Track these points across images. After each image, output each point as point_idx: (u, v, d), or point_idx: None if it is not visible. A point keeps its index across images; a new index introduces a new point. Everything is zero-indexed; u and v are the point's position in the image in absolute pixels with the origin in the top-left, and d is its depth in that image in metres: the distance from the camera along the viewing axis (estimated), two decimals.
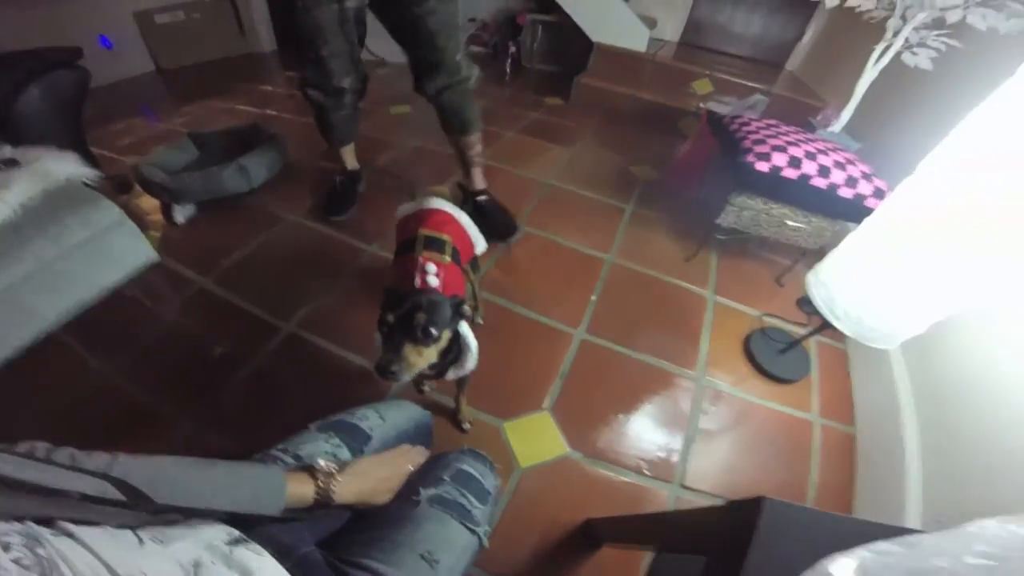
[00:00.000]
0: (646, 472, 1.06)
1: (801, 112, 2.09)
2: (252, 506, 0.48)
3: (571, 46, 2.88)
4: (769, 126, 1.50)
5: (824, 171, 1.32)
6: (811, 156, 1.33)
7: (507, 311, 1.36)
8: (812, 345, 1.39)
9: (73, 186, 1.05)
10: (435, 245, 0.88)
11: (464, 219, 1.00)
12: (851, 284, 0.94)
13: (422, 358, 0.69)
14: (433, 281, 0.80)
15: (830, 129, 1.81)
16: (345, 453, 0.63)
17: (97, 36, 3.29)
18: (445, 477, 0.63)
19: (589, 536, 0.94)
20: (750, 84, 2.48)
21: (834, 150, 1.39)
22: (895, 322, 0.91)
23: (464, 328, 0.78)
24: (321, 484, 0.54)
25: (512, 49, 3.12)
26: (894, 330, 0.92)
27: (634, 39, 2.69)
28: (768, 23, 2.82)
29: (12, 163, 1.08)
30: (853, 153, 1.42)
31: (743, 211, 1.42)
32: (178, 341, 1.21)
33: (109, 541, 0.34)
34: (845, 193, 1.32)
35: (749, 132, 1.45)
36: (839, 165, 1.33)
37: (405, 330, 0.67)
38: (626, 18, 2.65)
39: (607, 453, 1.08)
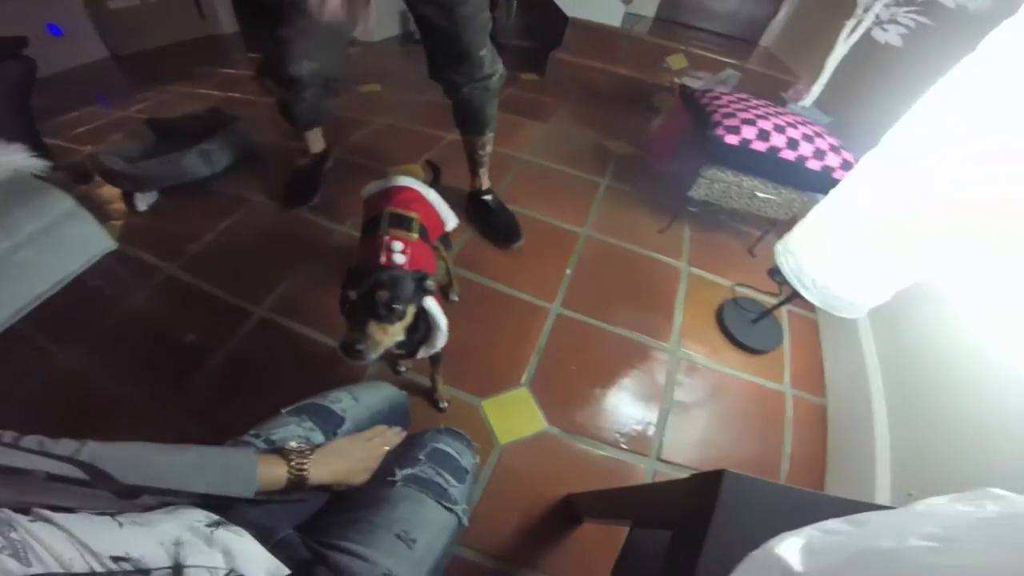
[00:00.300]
0: (623, 446, 1.08)
1: (774, 87, 2.11)
2: (225, 488, 0.48)
3: (546, 21, 2.84)
4: (739, 100, 1.50)
5: (792, 143, 1.33)
6: (780, 129, 1.35)
7: (483, 287, 1.36)
8: (784, 315, 1.43)
9: (21, 177, 1.01)
10: (402, 223, 0.86)
11: (432, 196, 0.99)
12: (818, 254, 0.96)
13: (387, 335, 0.68)
14: (399, 259, 0.79)
15: (801, 103, 1.83)
16: (319, 436, 0.63)
17: (45, 23, 3.11)
18: (421, 456, 0.63)
19: (569, 511, 0.96)
20: (724, 59, 2.50)
21: (803, 123, 1.40)
22: (860, 291, 0.93)
23: (431, 304, 0.77)
24: (294, 465, 0.54)
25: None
26: (860, 299, 0.94)
27: (609, 14, 2.68)
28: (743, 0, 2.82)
29: None
30: (822, 127, 1.44)
31: (714, 184, 1.44)
32: (147, 329, 1.18)
33: (87, 524, 0.34)
34: (813, 165, 1.34)
35: (720, 106, 1.45)
36: (807, 138, 1.34)
37: (368, 308, 0.66)
38: None
39: (585, 428, 1.09)
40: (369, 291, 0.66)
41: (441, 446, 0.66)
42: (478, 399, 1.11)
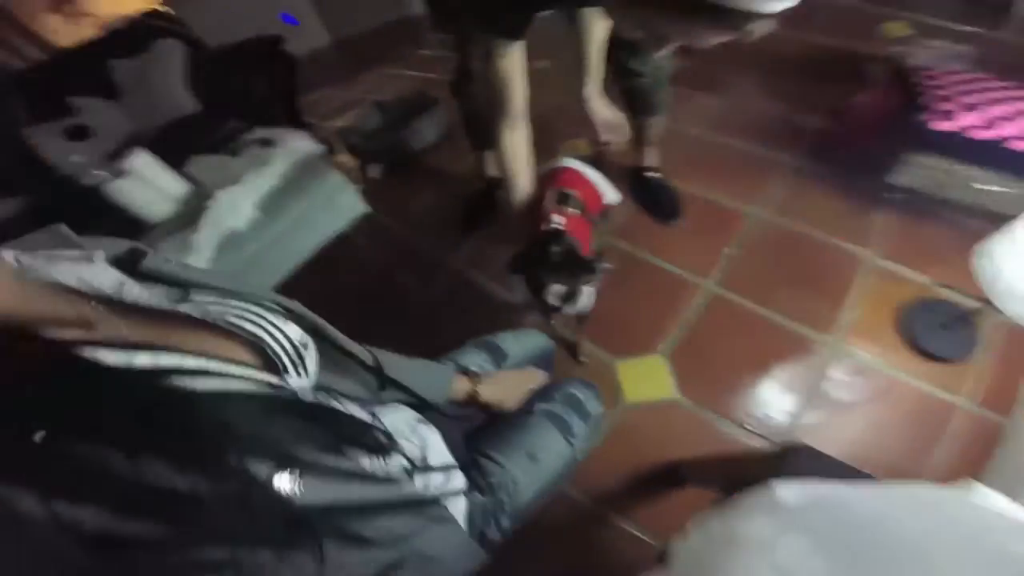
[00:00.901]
0: (750, 427, 1.11)
1: None
2: (430, 391, 0.70)
3: None
4: (969, 80, 1.30)
5: None
6: (1016, 116, 1.12)
7: (636, 258, 1.46)
8: (986, 324, 1.23)
9: (311, 158, 1.38)
10: (565, 200, 1.01)
11: (591, 174, 1.11)
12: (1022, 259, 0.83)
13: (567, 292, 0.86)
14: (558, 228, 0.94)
15: None
16: (489, 366, 0.85)
17: (280, 14, 3.83)
18: (556, 396, 0.81)
19: (676, 474, 1.04)
20: (962, 28, 2.01)
21: None
22: None
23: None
24: (473, 383, 0.76)
25: None
26: None
27: None
28: None
29: (267, 143, 1.45)
30: None
31: (921, 170, 1.27)
32: (374, 268, 1.58)
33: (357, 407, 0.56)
34: None
35: (935, 86, 1.28)
36: None
37: (551, 268, 0.83)
38: None
39: (716, 403, 1.15)
40: (547, 255, 0.83)
41: (574, 391, 0.82)
42: (614, 359, 1.24)
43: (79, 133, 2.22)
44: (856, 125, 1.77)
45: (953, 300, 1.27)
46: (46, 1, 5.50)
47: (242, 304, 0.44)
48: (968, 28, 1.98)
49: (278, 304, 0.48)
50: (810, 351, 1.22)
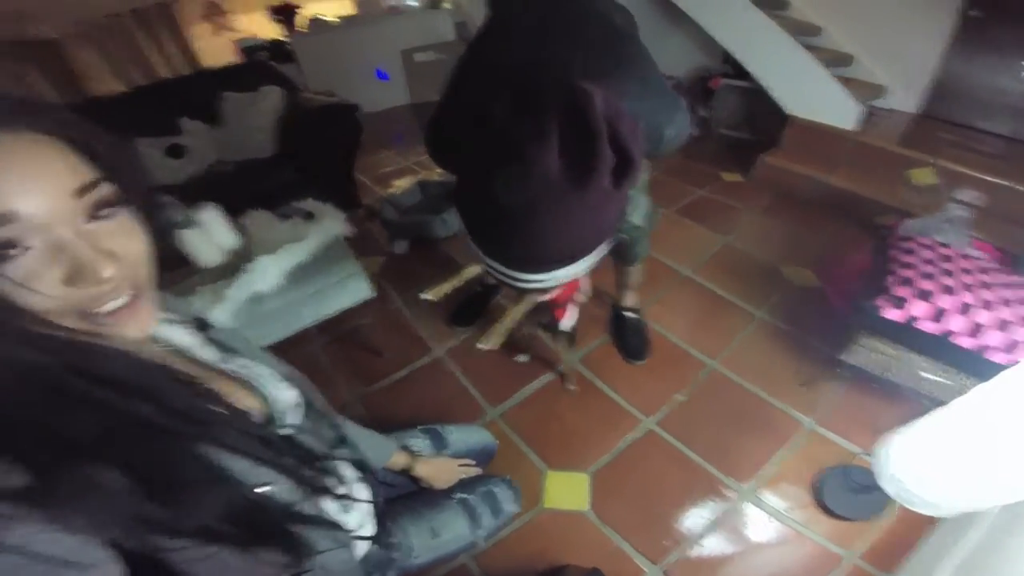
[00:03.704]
0: (639, 549, 1.20)
1: None
2: (373, 456, 0.86)
3: (767, 114, 2.74)
4: (946, 258, 1.38)
5: (978, 329, 1.19)
6: (967, 309, 1.21)
7: (593, 384, 1.59)
8: None
9: (339, 242, 1.61)
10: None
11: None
12: (908, 450, 0.91)
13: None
14: None
15: None
16: (428, 451, 1.02)
17: (375, 69, 4.30)
18: (478, 490, 0.98)
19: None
20: (995, 180, 1.96)
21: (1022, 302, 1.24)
22: (944, 493, 0.86)
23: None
24: (411, 460, 0.95)
25: (702, 113, 3.09)
26: (943, 500, 0.87)
27: (841, 114, 2.40)
28: None
29: (310, 216, 1.69)
30: None
31: (872, 353, 1.35)
32: (363, 338, 1.78)
33: None
34: (997, 357, 1.18)
35: (906, 264, 1.37)
36: (1006, 324, 1.18)
37: None
38: (830, 90, 2.39)
39: (617, 523, 1.24)
40: None
41: (495, 489, 0.98)
42: (546, 468, 1.37)
43: (176, 152, 2.60)
44: (834, 285, 1.84)
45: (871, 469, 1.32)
46: (201, 12, 6.39)
47: (262, 369, 0.65)
48: (1001, 181, 1.98)
49: (284, 374, 0.68)
50: (722, 495, 1.29)
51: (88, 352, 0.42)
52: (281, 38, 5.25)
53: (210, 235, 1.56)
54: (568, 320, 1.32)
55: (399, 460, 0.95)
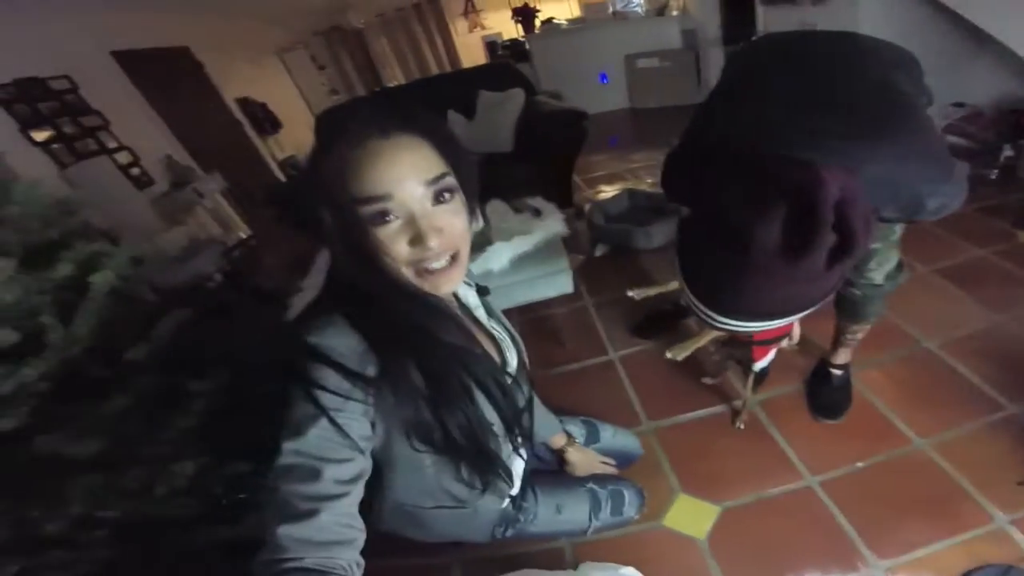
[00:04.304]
0: None
1: None
2: (541, 429, 1.03)
3: None
4: None
5: None
6: None
7: (764, 427, 1.51)
8: None
9: (556, 239, 1.86)
10: None
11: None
12: None
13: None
14: None
15: None
16: (582, 440, 1.18)
17: (599, 73, 4.50)
18: (608, 486, 1.10)
19: None
20: None
21: None
22: None
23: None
24: (567, 441, 1.12)
25: (1007, 152, 2.44)
26: None
27: None
28: None
29: (537, 212, 1.98)
30: None
31: None
32: (551, 328, 2.02)
33: None
34: None
35: None
36: None
37: None
38: None
39: (727, 563, 1.20)
40: None
41: (624, 491, 1.10)
42: (682, 489, 1.37)
43: None
44: None
45: None
46: (461, 9, 7.49)
47: (504, 333, 0.87)
48: None
49: (514, 340, 0.90)
50: (851, 565, 1.16)
51: (415, 296, 0.64)
52: (519, 38, 5.87)
53: None
54: (763, 362, 1.31)
55: (559, 440, 1.11)
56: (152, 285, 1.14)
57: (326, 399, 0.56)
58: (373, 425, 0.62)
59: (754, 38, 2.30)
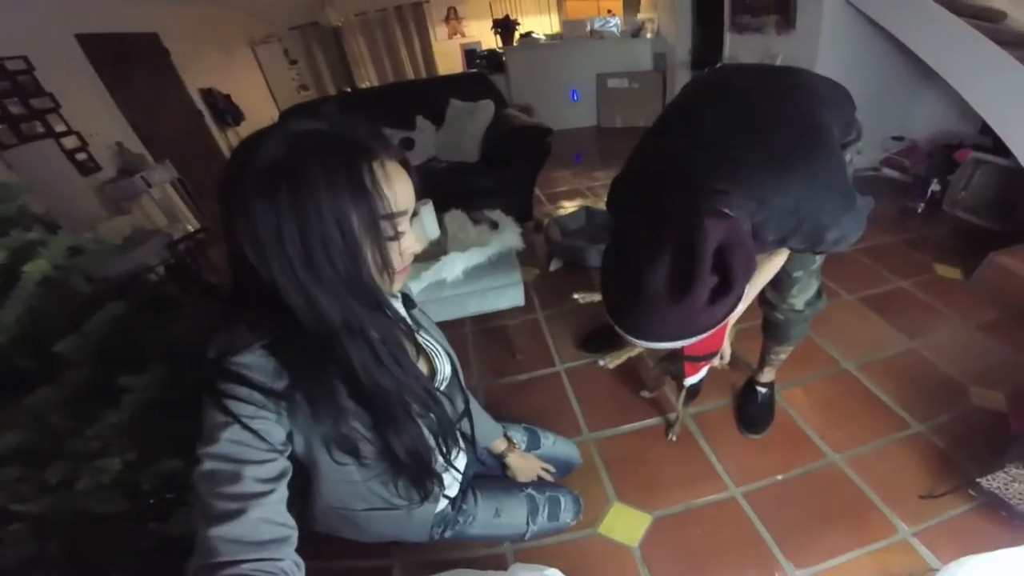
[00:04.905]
0: None
1: None
2: (481, 434, 1.08)
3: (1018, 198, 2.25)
4: None
5: None
6: None
7: (696, 440, 1.61)
8: None
9: (511, 253, 1.93)
10: None
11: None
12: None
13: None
14: None
15: None
16: (523, 446, 1.24)
17: (571, 90, 4.64)
18: (546, 492, 1.15)
19: None
20: None
21: None
22: None
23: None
24: (508, 446, 1.16)
25: (934, 187, 2.67)
26: None
27: None
28: None
29: (495, 225, 2.04)
30: None
31: (1016, 483, 1.18)
32: (502, 338, 2.08)
33: None
34: None
35: None
36: None
37: None
38: None
39: (657, 570, 1.28)
40: None
41: (561, 497, 1.15)
42: (616, 498, 1.46)
43: (407, 144, 3.26)
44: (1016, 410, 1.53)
45: None
46: (443, 15, 7.54)
47: (435, 343, 0.90)
48: None
49: (446, 350, 0.91)
50: (769, 569, 1.27)
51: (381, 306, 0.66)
52: (497, 48, 5.99)
53: (423, 224, 2.03)
54: (694, 378, 1.39)
55: (499, 445, 1.15)
56: (89, 276, 1.13)
57: (238, 407, 0.57)
58: (290, 434, 0.63)
59: (707, 69, 2.46)
